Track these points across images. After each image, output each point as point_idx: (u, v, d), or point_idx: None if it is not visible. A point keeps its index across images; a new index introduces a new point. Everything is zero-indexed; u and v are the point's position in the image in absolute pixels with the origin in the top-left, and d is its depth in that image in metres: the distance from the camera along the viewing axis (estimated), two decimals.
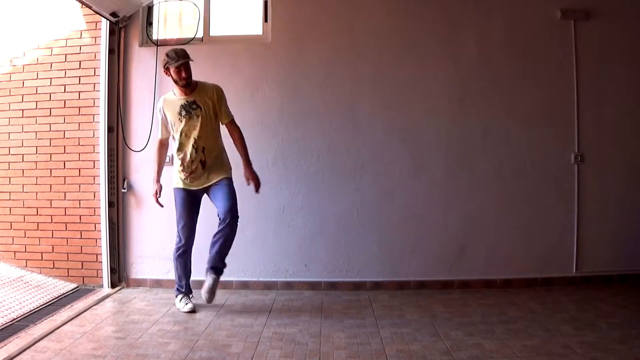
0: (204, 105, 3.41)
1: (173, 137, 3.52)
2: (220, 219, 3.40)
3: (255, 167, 3.94)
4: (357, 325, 3.18)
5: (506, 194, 4.01)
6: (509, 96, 4.02)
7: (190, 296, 3.56)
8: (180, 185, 3.48)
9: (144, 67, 4.05)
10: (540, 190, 4.02)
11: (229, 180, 3.48)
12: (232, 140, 3.54)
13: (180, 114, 3.39)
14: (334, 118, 4.02)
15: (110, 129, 4.00)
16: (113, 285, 4.00)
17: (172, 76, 3.37)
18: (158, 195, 3.60)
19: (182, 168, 3.43)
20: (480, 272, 3.99)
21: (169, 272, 4.05)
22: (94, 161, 4.03)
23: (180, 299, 3.52)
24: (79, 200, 4.07)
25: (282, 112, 4.00)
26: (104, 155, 3.97)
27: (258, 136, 3.94)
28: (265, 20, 4.09)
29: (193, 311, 3.44)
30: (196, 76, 4.03)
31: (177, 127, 3.43)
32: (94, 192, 4.03)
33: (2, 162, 4.14)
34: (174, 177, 3.52)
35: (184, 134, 3.40)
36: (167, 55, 3.34)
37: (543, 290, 3.90)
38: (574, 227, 4.01)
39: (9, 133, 4.12)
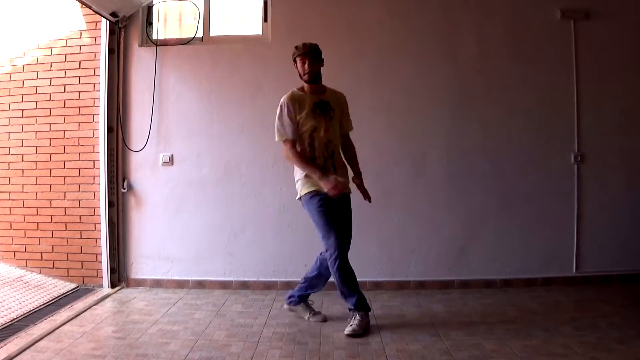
0: (337, 108, 3.23)
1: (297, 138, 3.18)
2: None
3: (255, 167, 3.98)
4: None
5: (506, 194, 4.01)
6: (509, 96, 4.02)
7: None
8: (316, 188, 3.09)
9: (144, 67, 4.05)
10: (540, 190, 4.02)
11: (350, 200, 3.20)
12: (345, 153, 3.32)
13: (314, 111, 3.14)
14: None
15: (110, 129, 4.00)
16: (113, 285, 4.00)
17: (297, 69, 3.22)
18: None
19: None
20: (480, 272, 3.99)
21: (169, 272, 4.06)
22: (94, 161, 4.03)
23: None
24: (79, 200, 4.07)
25: None
26: (104, 155, 3.97)
27: (258, 136, 3.94)
28: (265, 20, 4.09)
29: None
30: (196, 76, 4.06)
31: (308, 124, 3.13)
32: (94, 192, 4.03)
33: (2, 162, 4.14)
34: (305, 184, 3.12)
35: (315, 133, 3.13)
36: (295, 47, 3.21)
37: (543, 290, 3.90)
38: (574, 227, 4.01)
39: (9, 133, 4.12)
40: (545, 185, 4.02)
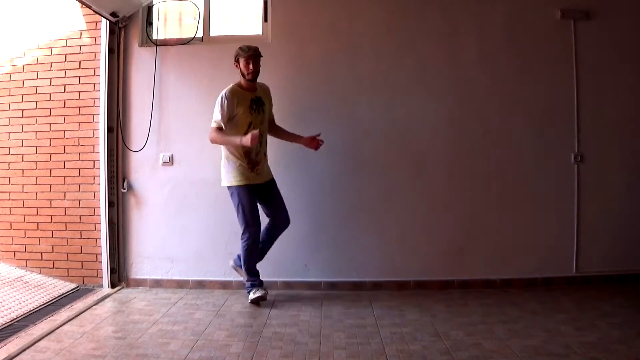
0: (267, 102, 3.66)
1: (230, 129, 3.52)
2: (272, 224, 3.70)
3: None
4: (357, 325, 3.18)
5: (506, 194, 4.01)
6: (509, 96, 4.01)
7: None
8: (244, 182, 3.54)
9: (144, 67, 4.05)
10: (540, 190, 4.02)
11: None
12: (277, 133, 3.81)
13: (251, 107, 3.55)
14: (334, 118, 4.01)
15: (110, 129, 4.00)
16: (113, 285, 4.00)
17: (240, 68, 3.55)
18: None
19: (247, 161, 3.55)
20: (480, 272, 3.99)
21: (169, 272, 4.06)
22: (94, 161, 4.03)
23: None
24: (79, 200, 4.07)
25: (282, 112, 3.99)
26: (104, 155, 3.97)
27: None
28: (265, 20, 4.09)
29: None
30: (196, 75, 4.06)
31: (245, 119, 3.53)
32: (94, 192, 4.03)
33: (2, 162, 4.15)
34: (234, 175, 3.55)
35: (250, 128, 3.51)
36: (239, 48, 3.55)
37: (543, 290, 3.90)
38: (574, 227, 4.00)
39: (9, 133, 4.13)
40: (545, 185, 4.02)
